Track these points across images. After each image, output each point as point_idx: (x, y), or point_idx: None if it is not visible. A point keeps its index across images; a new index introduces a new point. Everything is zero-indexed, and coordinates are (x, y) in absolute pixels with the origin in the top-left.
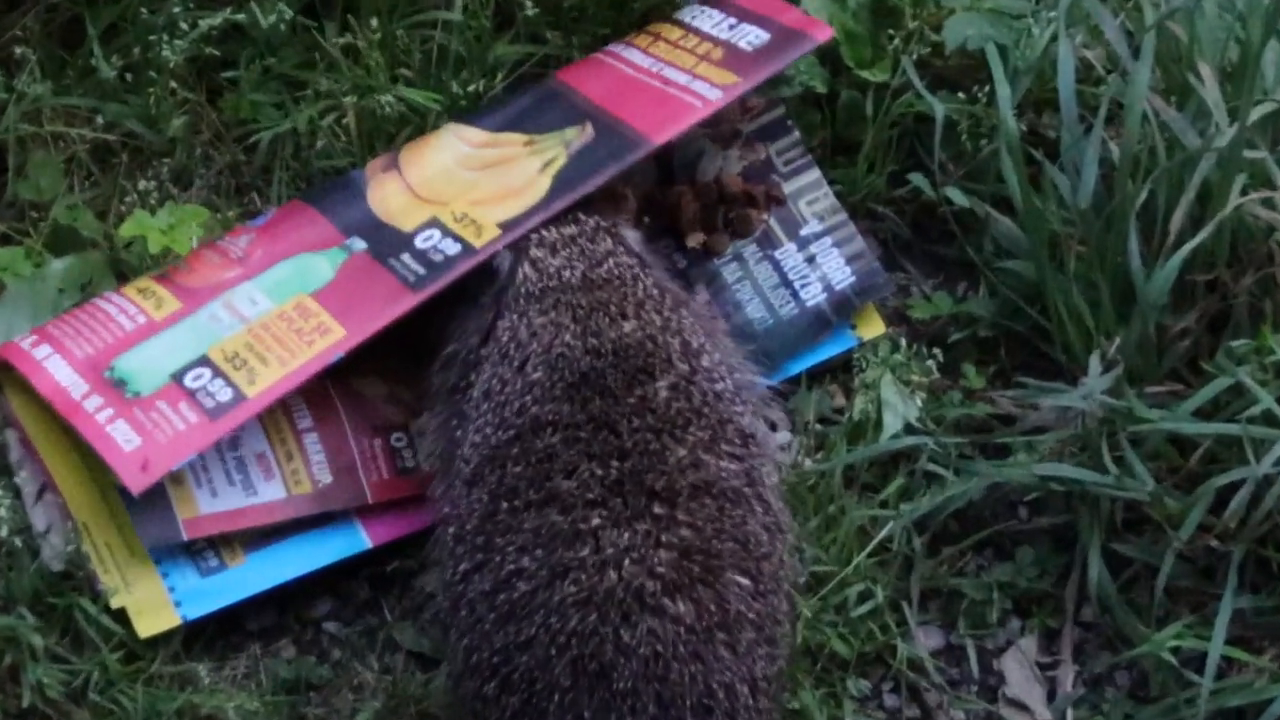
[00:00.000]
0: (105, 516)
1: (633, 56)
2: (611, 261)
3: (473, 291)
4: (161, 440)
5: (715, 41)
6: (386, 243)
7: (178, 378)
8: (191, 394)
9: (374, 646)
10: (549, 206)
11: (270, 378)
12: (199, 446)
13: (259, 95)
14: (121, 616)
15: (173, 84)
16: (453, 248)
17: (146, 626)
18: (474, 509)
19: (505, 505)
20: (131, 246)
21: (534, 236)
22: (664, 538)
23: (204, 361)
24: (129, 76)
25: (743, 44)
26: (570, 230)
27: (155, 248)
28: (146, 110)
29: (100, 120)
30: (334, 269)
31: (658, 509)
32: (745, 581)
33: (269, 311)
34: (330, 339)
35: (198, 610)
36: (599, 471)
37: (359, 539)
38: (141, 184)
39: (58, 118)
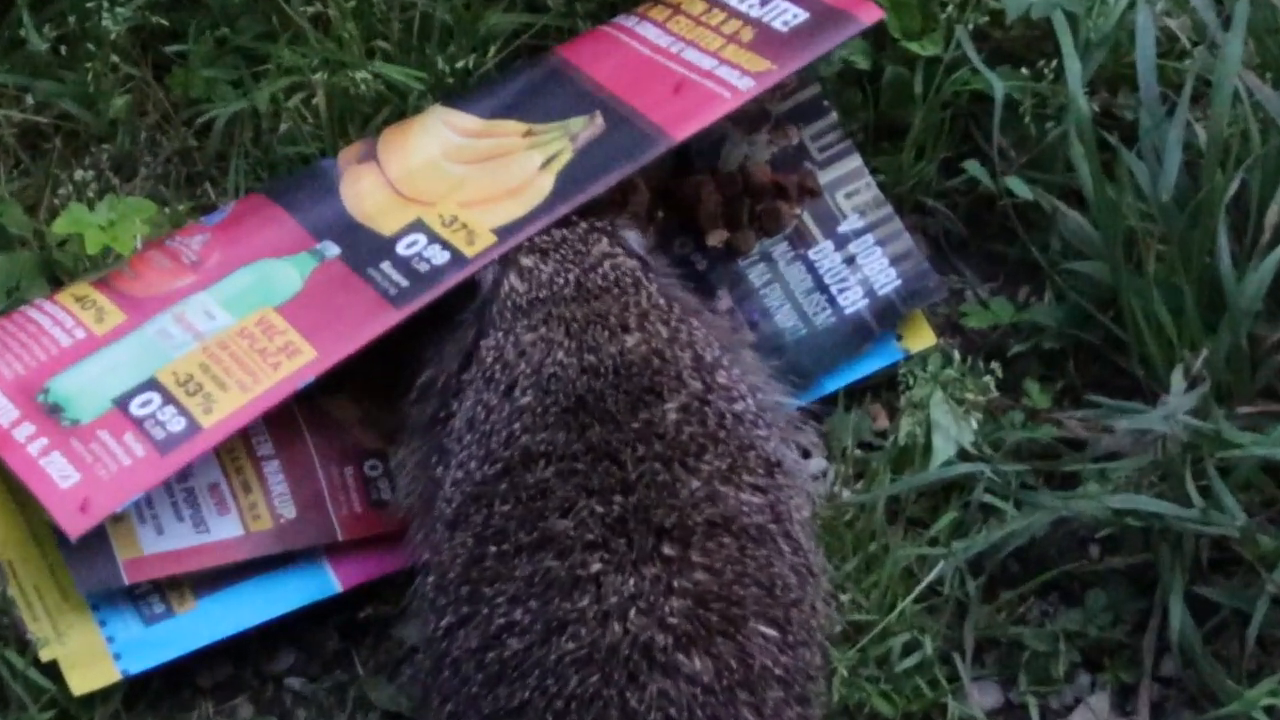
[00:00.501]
0: (35, 555)
1: (648, 33)
2: (608, 265)
3: (451, 307)
4: (104, 477)
5: (745, 20)
6: (364, 248)
7: (122, 404)
8: (138, 423)
9: (344, 705)
10: (552, 210)
11: (229, 406)
12: (147, 484)
13: (213, 71)
14: (53, 671)
15: (114, 58)
16: (440, 256)
17: (81, 682)
18: (457, 555)
19: (493, 550)
20: (66, 245)
21: (522, 243)
22: (676, 583)
23: (152, 385)
24: (63, 49)
25: (777, 24)
26: (562, 233)
27: (93, 248)
28: (84, 88)
29: (30, 100)
30: (303, 278)
31: (668, 550)
32: (771, 632)
33: (228, 328)
34: (299, 361)
35: (141, 664)
36: (599, 509)
37: (327, 582)
38: (78, 173)
39: None
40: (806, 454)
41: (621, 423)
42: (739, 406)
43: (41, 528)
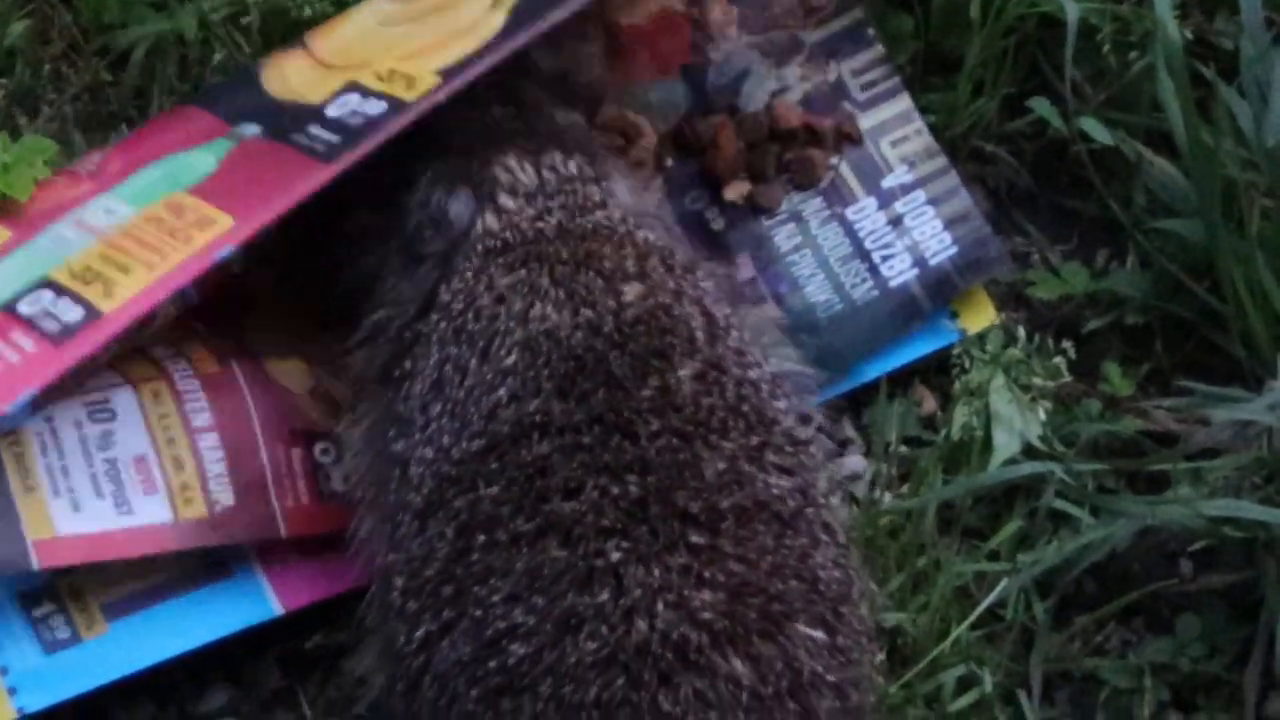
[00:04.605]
0: None
1: None
2: (599, 214)
3: (412, 242)
4: None
5: None
6: (288, 121)
7: (8, 307)
8: (28, 321)
9: None
10: (505, 43)
11: (134, 285)
12: (42, 378)
13: None
14: None
15: None
16: (376, 107)
17: None
18: (434, 549)
19: (481, 540)
20: None
21: (502, 178)
22: (707, 574)
23: (44, 283)
24: None
25: None
26: (548, 177)
27: None
28: None
29: None
30: (217, 160)
31: (696, 538)
32: (819, 634)
33: (130, 218)
34: (214, 230)
35: (41, 700)
36: (614, 490)
37: (265, 603)
38: None
39: None
40: (843, 448)
41: (630, 390)
42: (754, 374)
43: None
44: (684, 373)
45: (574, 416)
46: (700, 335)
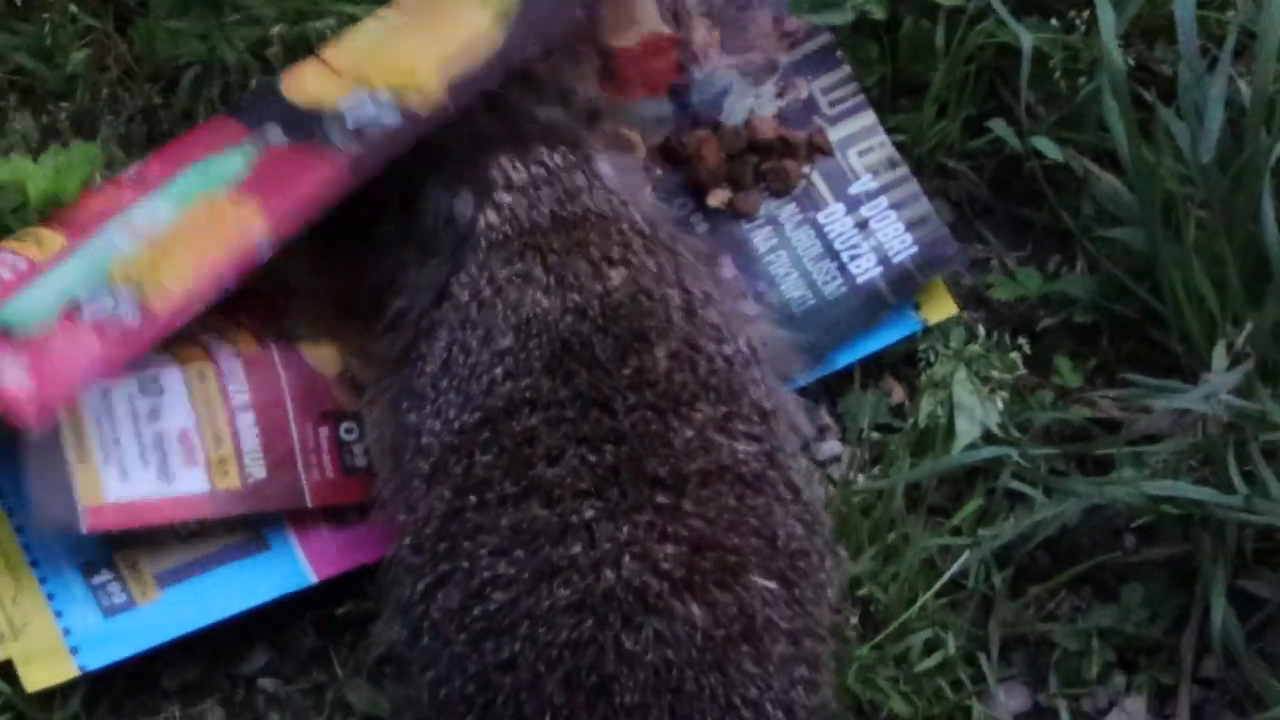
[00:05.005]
0: None
1: None
2: (585, 197)
3: (426, 241)
4: (57, 367)
5: None
6: (308, 124)
7: (70, 305)
8: (89, 316)
9: (321, 709)
10: (505, 54)
11: (180, 283)
12: (102, 366)
13: (179, 23)
14: (5, 670)
15: (72, 8)
16: (390, 114)
17: (35, 678)
18: (434, 509)
19: (474, 500)
20: (18, 212)
21: (497, 177)
22: (670, 529)
23: (101, 283)
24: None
25: None
26: (539, 171)
27: (37, 194)
28: (40, 41)
29: None
30: (247, 161)
31: (661, 499)
32: (773, 585)
33: (174, 220)
34: (249, 225)
35: (100, 659)
36: (591, 457)
37: (301, 573)
38: (17, 122)
39: None
40: (821, 433)
41: (610, 369)
42: (729, 348)
43: None
44: (660, 352)
45: (560, 393)
46: (677, 315)
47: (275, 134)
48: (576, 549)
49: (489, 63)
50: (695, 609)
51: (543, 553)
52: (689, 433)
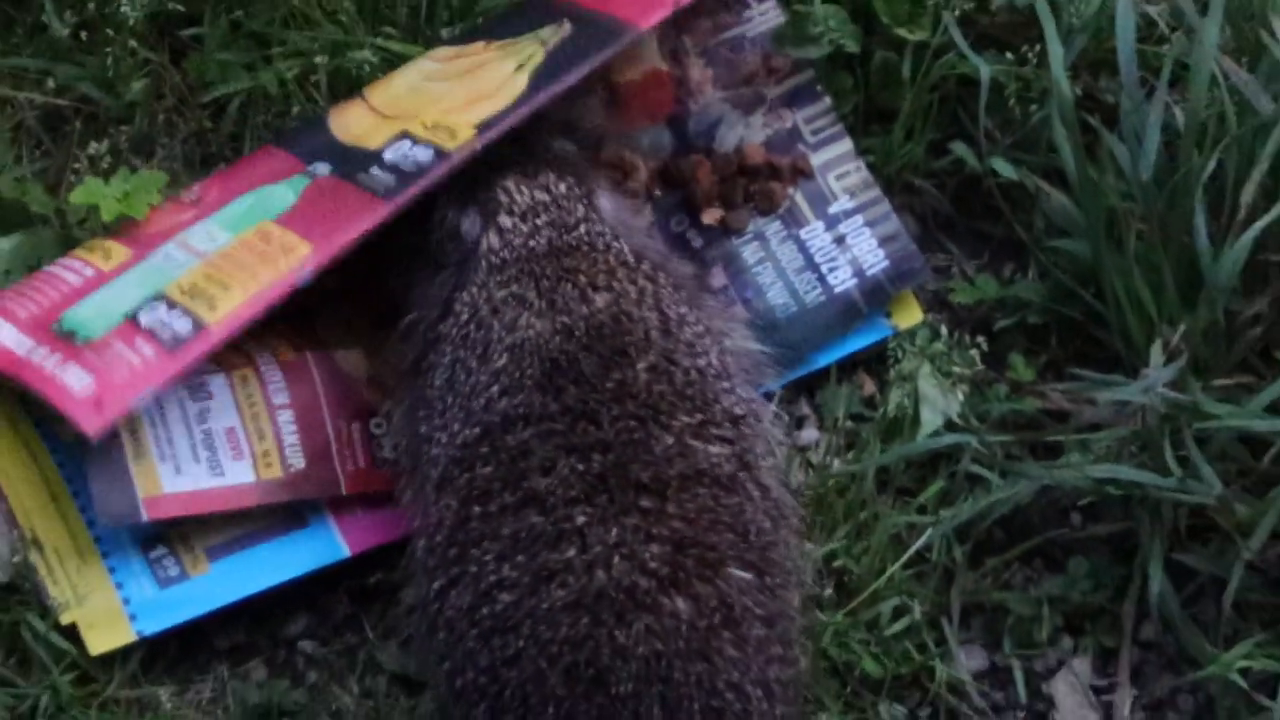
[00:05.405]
0: (55, 519)
1: None
2: (583, 229)
3: (435, 254)
4: (116, 377)
5: None
6: (353, 162)
7: (131, 316)
8: (148, 330)
9: (354, 668)
10: (530, 101)
11: (233, 301)
12: (158, 380)
13: (227, 55)
14: (73, 634)
15: (132, 43)
16: (425, 154)
17: (99, 642)
18: (444, 518)
19: (478, 510)
20: (86, 223)
21: (503, 200)
22: (655, 531)
23: (159, 298)
24: (83, 35)
25: None
26: (541, 196)
27: (109, 215)
28: (103, 72)
29: (51, 83)
30: (297, 194)
31: (646, 502)
32: (748, 575)
33: (228, 243)
34: (296, 255)
35: (156, 625)
36: (580, 466)
37: (337, 547)
38: (92, 146)
39: (4, 80)
40: (800, 424)
41: (595, 384)
42: (702, 362)
43: (64, 495)
44: (640, 366)
45: (550, 407)
46: (655, 333)
47: (323, 169)
48: (571, 553)
49: (515, 108)
50: (680, 603)
51: (541, 557)
52: (669, 439)
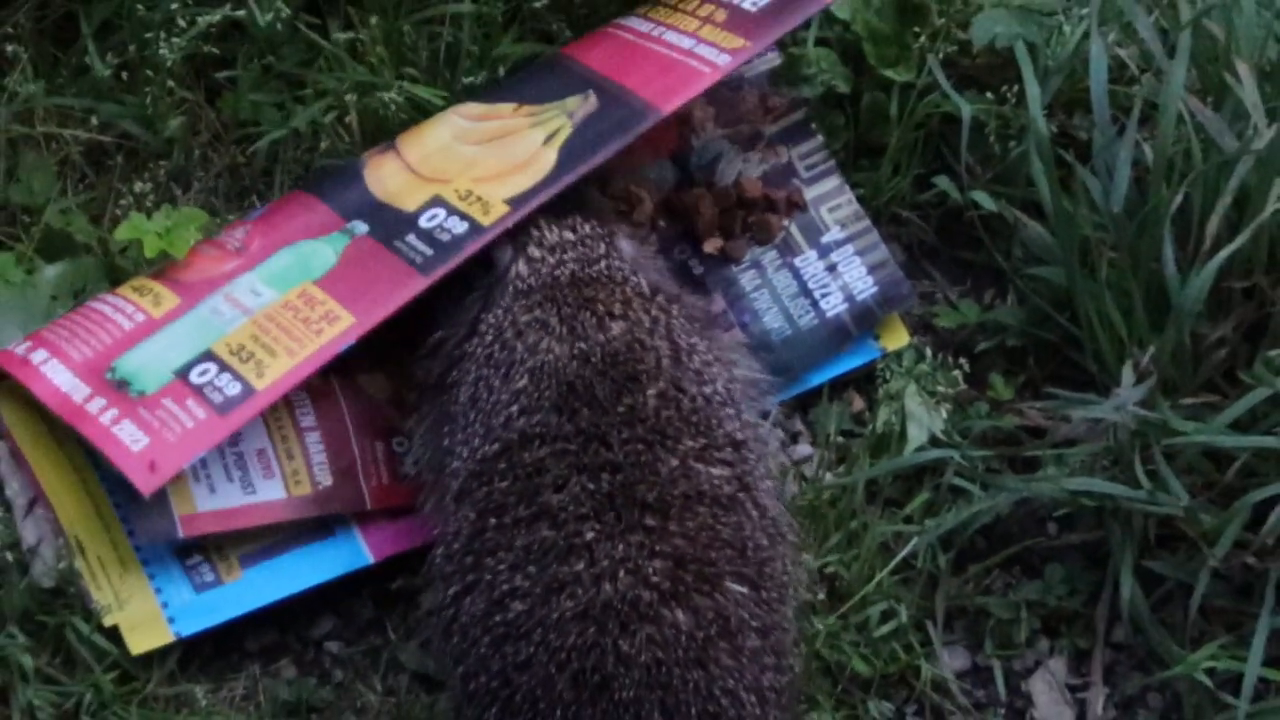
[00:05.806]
0: (98, 529)
1: (632, 23)
2: (604, 264)
3: (467, 277)
4: (170, 439)
5: (717, 3)
6: (389, 224)
7: (182, 374)
8: (198, 390)
9: (377, 667)
10: (558, 181)
11: (279, 369)
12: (209, 443)
13: (259, 95)
14: (115, 635)
15: (170, 83)
16: (460, 226)
17: (139, 642)
18: (461, 528)
19: (493, 522)
20: (127, 252)
21: (534, 234)
22: (658, 548)
23: (209, 356)
24: (124, 75)
25: (746, 4)
26: (569, 234)
27: (151, 251)
28: (143, 110)
29: (95, 121)
30: (337, 255)
31: (650, 521)
32: (744, 589)
33: (273, 302)
34: (339, 327)
35: (192, 627)
36: (590, 485)
37: (361, 554)
38: (137, 185)
39: (50, 118)
40: (795, 439)
41: (608, 408)
42: (708, 390)
43: (105, 504)
44: (650, 392)
45: (565, 428)
46: (665, 361)
47: (361, 228)
48: (580, 566)
49: (544, 186)
50: (680, 615)
51: (551, 569)
52: (674, 462)
